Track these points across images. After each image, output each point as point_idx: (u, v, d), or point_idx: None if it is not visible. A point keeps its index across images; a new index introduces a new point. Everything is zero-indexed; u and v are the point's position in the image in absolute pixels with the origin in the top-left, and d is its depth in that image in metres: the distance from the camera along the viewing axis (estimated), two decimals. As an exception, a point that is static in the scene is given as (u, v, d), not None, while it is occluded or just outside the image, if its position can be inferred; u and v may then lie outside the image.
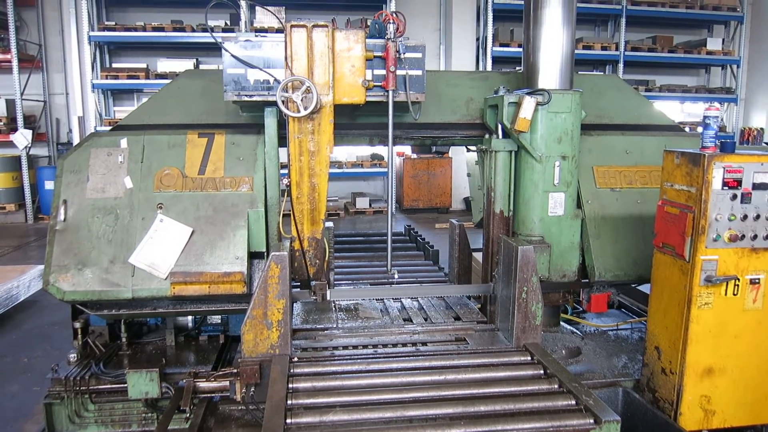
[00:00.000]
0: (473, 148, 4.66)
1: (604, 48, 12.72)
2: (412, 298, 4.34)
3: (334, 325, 3.79)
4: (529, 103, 3.74)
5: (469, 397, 2.81)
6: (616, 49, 12.81)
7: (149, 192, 3.73)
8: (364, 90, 3.55)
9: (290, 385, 2.88)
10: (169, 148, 3.84)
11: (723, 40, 13.25)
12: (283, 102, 3.36)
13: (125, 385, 3.48)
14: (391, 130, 3.70)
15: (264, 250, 3.77)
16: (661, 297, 3.37)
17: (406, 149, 12.17)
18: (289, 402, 2.71)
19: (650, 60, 13.16)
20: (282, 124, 3.71)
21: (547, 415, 2.65)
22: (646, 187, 4.20)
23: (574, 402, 2.77)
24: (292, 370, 3.07)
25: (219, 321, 4.23)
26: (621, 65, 12.81)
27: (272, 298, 3.22)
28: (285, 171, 3.59)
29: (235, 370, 3.22)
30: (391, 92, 3.61)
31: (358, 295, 4.20)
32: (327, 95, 3.49)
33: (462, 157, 12.51)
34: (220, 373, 3.22)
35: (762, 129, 13.42)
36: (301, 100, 3.38)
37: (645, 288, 4.73)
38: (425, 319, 3.94)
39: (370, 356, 3.31)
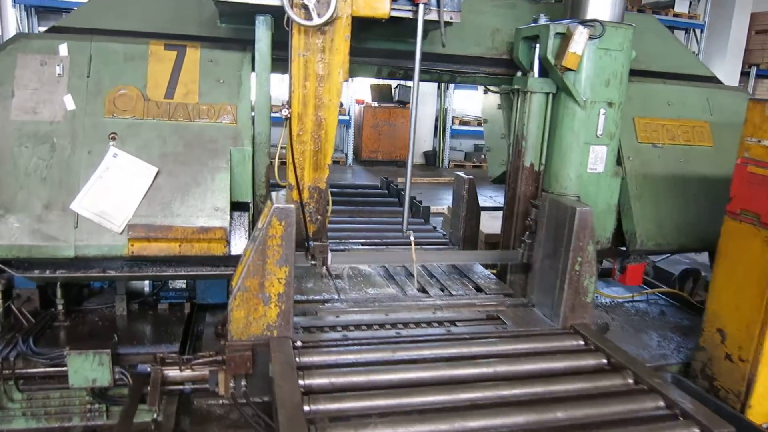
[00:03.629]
0: (493, 88, 3.90)
1: (571, 5, 12.06)
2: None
3: (336, 296, 3.02)
4: (581, 35, 3.01)
5: (537, 400, 2.14)
6: (583, 7, 12.19)
7: (98, 117, 2.75)
8: (389, 1, 2.69)
9: (302, 382, 2.11)
10: (125, 61, 2.85)
11: (690, 2, 12.89)
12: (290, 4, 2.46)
13: (64, 368, 2.60)
14: (419, 57, 2.87)
15: (250, 200, 2.91)
16: (732, 272, 2.80)
17: (366, 96, 11.27)
18: (307, 408, 1.95)
19: (615, 20, 12.62)
20: (278, 39, 2.81)
21: (642, 426, 2.03)
22: (689, 144, 3.60)
23: (663, 403, 2.17)
24: (299, 360, 2.29)
25: (183, 285, 3.35)
26: (586, 24, 12.21)
27: (272, 265, 2.40)
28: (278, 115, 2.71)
29: (221, 357, 2.41)
30: (422, 6, 2.77)
31: (369, 260, 3.42)
32: (344, 2, 2.60)
33: (428, 110, 11.74)
34: (201, 360, 2.39)
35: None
36: (314, 4, 2.48)
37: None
38: (442, 290, 3.23)
39: (393, 339, 2.57)
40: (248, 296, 2.40)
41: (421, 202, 5.00)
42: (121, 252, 2.65)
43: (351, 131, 11.00)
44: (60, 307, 3.03)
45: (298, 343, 2.45)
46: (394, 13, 2.74)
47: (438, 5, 2.84)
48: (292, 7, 2.47)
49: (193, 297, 3.32)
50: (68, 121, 2.71)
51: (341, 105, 11.15)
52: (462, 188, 3.94)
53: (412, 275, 3.43)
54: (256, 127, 2.92)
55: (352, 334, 2.61)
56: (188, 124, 2.83)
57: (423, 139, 11.50)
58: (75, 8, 3.41)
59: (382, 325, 2.73)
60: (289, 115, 2.68)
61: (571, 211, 2.72)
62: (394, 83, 11.47)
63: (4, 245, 2.54)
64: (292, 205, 2.39)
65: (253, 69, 2.94)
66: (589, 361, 2.49)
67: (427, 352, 2.44)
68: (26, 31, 9.84)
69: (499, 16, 3.57)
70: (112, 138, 2.73)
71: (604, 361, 2.49)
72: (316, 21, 2.48)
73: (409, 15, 2.81)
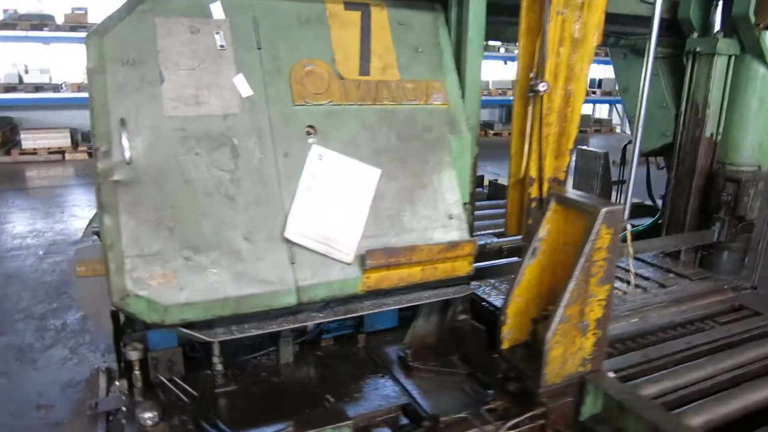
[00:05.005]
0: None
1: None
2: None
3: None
4: (791, -14, 2.64)
5: None
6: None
7: (286, 104, 1.91)
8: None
9: None
10: (300, 26, 2.00)
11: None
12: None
13: (280, 455, 1.83)
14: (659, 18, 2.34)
15: (468, 200, 2.23)
16: None
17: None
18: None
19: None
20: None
21: None
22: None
23: None
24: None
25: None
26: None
27: (595, 284, 1.79)
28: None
29: (539, 411, 1.77)
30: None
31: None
32: (604, -57, 1.99)
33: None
34: (518, 419, 1.74)
35: None
36: (599, -59, 1.85)
37: None
38: (646, 279, 2.79)
39: (691, 350, 2.11)
40: (568, 328, 1.79)
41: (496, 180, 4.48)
42: (355, 289, 1.88)
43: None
44: (219, 367, 2.17)
45: (611, 375, 1.88)
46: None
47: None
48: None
49: (360, 325, 2.57)
50: (247, 113, 1.85)
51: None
52: (595, 164, 3.47)
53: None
54: (467, 107, 2.22)
55: (648, 352, 2.09)
56: (396, 108, 2.08)
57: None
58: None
59: (654, 334, 2.24)
60: (547, 89, 2.03)
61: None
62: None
63: (200, 302, 1.67)
64: (621, 206, 1.78)
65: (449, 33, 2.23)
66: None
67: (744, 358, 2.00)
68: None
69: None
70: (308, 133, 1.92)
71: None
72: (610, -35, 1.84)
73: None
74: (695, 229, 2.99)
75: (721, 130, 2.97)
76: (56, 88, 10.09)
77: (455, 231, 2.05)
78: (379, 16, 2.13)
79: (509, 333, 1.96)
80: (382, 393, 2.18)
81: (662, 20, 3.01)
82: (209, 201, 1.74)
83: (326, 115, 1.95)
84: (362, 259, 1.86)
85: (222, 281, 1.70)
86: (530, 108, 2.08)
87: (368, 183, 1.93)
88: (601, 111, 15.92)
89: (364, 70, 2.06)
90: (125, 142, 1.67)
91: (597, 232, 1.74)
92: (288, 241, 1.80)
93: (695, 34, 2.94)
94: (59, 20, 9.96)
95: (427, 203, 2.03)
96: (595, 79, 14.21)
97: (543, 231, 1.92)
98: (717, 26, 2.90)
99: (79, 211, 6.30)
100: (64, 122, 10.58)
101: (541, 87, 2.02)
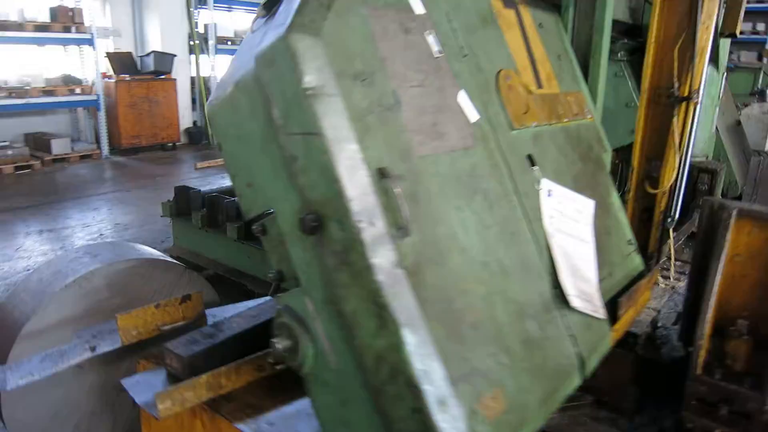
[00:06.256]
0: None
1: None
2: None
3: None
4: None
5: None
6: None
7: (505, 129, 1.46)
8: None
9: None
10: (484, 27, 1.54)
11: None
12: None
13: None
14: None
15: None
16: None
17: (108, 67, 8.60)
18: None
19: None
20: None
21: None
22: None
23: None
24: None
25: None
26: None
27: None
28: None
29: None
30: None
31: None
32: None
33: (181, 79, 9.48)
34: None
35: None
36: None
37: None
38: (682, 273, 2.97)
39: None
40: (785, 344, 1.76)
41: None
42: (607, 347, 1.54)
43: (102, 114, 8.23)
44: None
45: None
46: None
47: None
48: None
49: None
50: (481, 144, 1.35)
51: (82, 82, 8.25)
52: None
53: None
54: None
55: None
56: (568, 126, 1.77)
57: (181, 115, 9.48)
58: None
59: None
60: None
61: None
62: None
63: (528, 416, 1.17)
64: (813, 216, 1.81)
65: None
66: None
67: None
68: None
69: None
70: (530, 163, 1.50)
71: None
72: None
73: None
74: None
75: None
76: None
77: (636, 257, 1.86)
78: (527, 17, 1.78)
79: (702, 356, 1.86)
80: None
81: (625, 24, 3.24)
82: (488, 273, 1.23)
83: (534, 139, 1.55)
84: (612, 309, 1.54)
85: (531, 380, 1.22)
86: (674, 119, 1.99)
87: (589, 218, 1.60)
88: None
89: (538, 81, 1.70)
90: (403, 204, 1.05)
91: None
92: (562, 308, 1.38)
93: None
94: None
95: (614, 231, 1.79)
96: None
97: (727, 246, 1.85)
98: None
99: None
100: None
101: (696, 97, 1.94)
